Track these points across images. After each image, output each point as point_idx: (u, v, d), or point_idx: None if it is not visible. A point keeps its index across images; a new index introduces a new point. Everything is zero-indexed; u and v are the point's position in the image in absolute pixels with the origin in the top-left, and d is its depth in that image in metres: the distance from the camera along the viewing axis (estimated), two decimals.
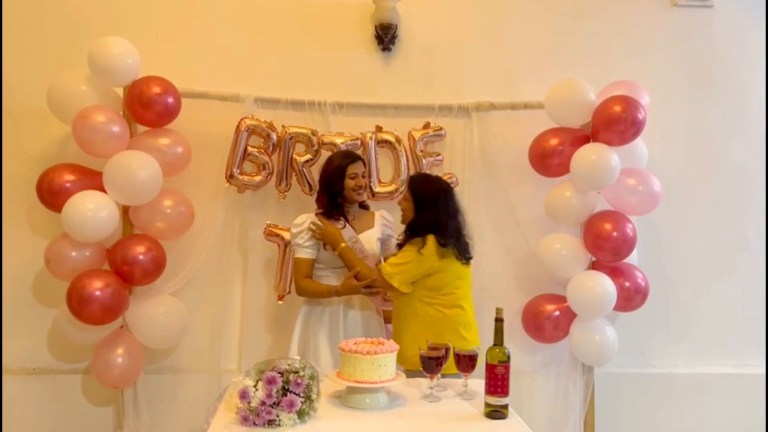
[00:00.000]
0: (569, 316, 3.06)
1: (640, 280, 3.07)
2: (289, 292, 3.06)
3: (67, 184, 2.77)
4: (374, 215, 2.85)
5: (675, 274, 3.36)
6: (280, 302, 3.08)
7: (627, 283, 3.03)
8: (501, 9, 3.33)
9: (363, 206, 2.88)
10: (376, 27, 3.22)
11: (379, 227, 2.81)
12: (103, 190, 2.75)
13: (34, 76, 3.01)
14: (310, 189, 3.02)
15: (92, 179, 2.79)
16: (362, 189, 2.78)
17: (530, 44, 3.32)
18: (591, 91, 3.02)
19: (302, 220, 2.74)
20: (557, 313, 3.07)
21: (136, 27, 3.09)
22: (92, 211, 2.67)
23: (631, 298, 3.04)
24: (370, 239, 2.76)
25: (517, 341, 3.13)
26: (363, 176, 2.78)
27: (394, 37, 3.23)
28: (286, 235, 2.97)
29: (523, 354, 3.20)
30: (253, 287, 3.16)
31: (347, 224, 2.74)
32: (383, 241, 2.82)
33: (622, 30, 3.37)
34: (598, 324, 3.04)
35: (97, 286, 2.68)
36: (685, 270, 3.38)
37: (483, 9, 3.33)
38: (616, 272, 3.03)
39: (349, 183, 2.73)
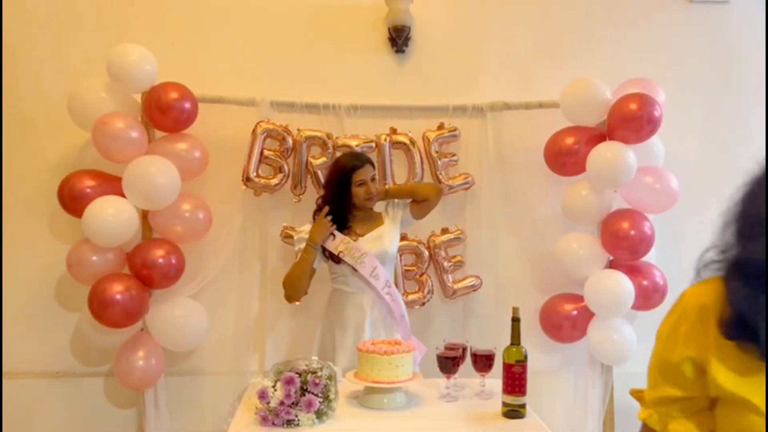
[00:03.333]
0: (587, 315, 3.04)
1: (658, 279, 3.04)
2: (306, 293, 3.07)
3: (88, 190, 2.81)
4: (381, 214, 2.77)
5: (694, 272, 3.32)
6: (297, 303, 3.10)
7: (645, 282, 3.01)
8: (513, 8, 3.33)
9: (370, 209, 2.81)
10: (389, 29, 3.23)
11: (385, 220, 2.73)
12: (122, 195, 2.79)
13: (54, 84, 3.06)
14: None
15: (112, 184, 2.83)
16: (373, 195, 2.63)
17: (544, 43, 3.31)
18: (606, 89, 3.00)
19: (302, 229, 2.73)
20: (575, 312, 3.05)
21: (153, 33, 3.13)
22: (112, 216, 2.71)
23: (649, 296, 3.02)
24: (379, 235, 2.67)
25: (535, 341, 3.11)
26: (373, 180, 2.64)
27: (407, 39, 3.24)
28: None
29: (541, 354, 3.19)
30: (273, 288, 3.16)
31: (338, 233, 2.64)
32: (395, 217, 2.72)
33: (637, 27, 3.35)
34: (617, 323, 3.02)
35: (117, 290, 2.72)
36: None
37: (495, 9, 3.32)
38: (633, 271, 3.01)
39: (358, 191, 2.60)
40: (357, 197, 2.62)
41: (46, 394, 3.15)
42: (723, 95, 3.37)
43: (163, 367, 3.00)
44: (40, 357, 3.16)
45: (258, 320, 3.20)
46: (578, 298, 3.06)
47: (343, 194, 2.63)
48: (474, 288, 3.15)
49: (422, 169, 3.10)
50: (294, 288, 2.68)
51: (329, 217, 2.61)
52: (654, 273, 3.05)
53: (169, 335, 2.95)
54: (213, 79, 3.11)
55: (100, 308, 2.73)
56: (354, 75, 3.25)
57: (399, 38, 3.23)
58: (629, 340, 3.02)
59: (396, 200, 2.77)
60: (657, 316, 3.16)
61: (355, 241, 2.64)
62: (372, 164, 2.70)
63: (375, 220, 2.75)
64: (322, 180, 3.00)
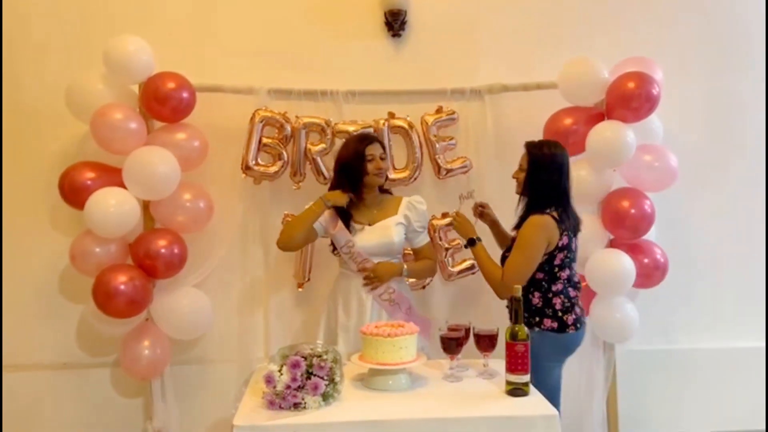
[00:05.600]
0: (589, 294, 3.05)
1: (659, 257, 3.06)
2: (309, 279, 3.10)
3: (88, 182, 2.82)
4: (400, 201, 2.73)
5: (694, 249, 3.34)
6: (299, 290, 3.12)
7: (646, 260, 3.02)
8: None
9: (386, 192, 2.78)
10: (385, 13, 3.22)
11: (401, 214, 2.68)
12: (123, 186, 2.80)
13: (53, 77, 3.06)
14: (324, 178, 3.04)
15: (112, 176, 2.84)
16: (383, 171, 2.64)
17: (541, 24, 3.30)
18: (604, 69, 3.00)
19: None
20: None
21: (149, 24, 3.13)
22: (114, 207, 2.73)
23: (650, 274, 3.03)
24: (387, 226, 2.64)
25: None
26: (382, 158, 2.64)
27: (403, 22, 3.23)
28: None
29: None
30: (276, 276, 3.19)
31: (342, 225, 2.63)
32: (408, 228, 2.69)
33: (634, 5, 3.34)
34: (618, 301, 3.03)
35: (121, 281, 2.74)
36: (704, 245, 3.35)
37: None
38: (634, 249, 3.02)
39: (368, 166, 2.60)
40: (368, 172, 2.61)
41: (54, 385, 3.18)
42: (721, 73, 3.37)
43: (169, 356, 3.03)
44: (47, 349, 3.19)
45: (262, 307, 3.21)
46: (580, 278, 3.06)
47: (355, 171, 2.61)
48: (473, 271, 3.15)
49: (421, 153, 3.10)
50: (288, 234, 2.66)
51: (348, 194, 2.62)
52: (654, 251, 3.07)
53: (174, 324, 2.97)
54: (210, 68, 3.11)
55: (105, 299, 2.75)
56: (351, 60, 3.24)
57: (395, 22, 3.22)
58: (631, 318, 3.04)
59: (418, 211, 2.71)
60: (660, 293, 3.20)
61: (361, 229, 2.64)
62: (381, 143, 2.74)
63: (388, 208, 2.71)
64: (322, 167, 3.02)
